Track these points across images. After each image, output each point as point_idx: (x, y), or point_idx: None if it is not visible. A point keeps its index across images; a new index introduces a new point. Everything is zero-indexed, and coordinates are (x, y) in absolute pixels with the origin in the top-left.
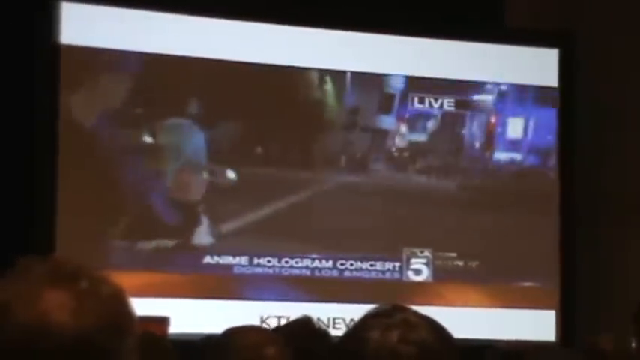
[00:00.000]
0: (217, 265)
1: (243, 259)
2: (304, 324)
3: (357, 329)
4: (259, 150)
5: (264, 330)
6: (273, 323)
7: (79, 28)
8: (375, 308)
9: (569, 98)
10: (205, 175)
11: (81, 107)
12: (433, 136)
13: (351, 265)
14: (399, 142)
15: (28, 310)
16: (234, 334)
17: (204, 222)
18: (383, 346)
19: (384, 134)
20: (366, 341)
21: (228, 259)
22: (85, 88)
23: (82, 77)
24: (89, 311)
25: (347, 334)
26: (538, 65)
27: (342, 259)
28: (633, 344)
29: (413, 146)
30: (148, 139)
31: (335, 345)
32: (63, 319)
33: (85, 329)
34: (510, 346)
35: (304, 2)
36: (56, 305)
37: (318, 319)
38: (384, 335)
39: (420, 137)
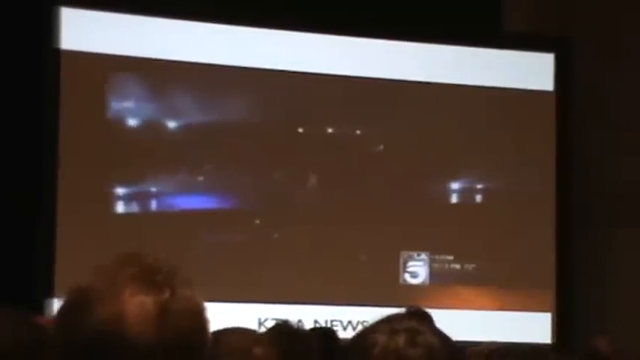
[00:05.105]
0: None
1: None
2: (285, 326)
3: (366, 333)
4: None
5: (251, 331)
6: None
7: (79, 33)
8: (388, 315)
9: (564, 102)
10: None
11: (82, 111)
12: None
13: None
14: None
15: (108, 309)
16: (223, 336)
17: None
18: (389, 349)
19: None
20: (373, 344)
21: None
22: (85, 93)
23: (82, 82)
24: (168, 324)
25: (355, 337)
26: (534, 69)
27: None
28: None
29: None
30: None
31: (343, 347)
32: (142, 327)
33: (162, 342)
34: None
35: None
36: (136, 311)
37: (316, 321)
38: (390, 339)
39: None
